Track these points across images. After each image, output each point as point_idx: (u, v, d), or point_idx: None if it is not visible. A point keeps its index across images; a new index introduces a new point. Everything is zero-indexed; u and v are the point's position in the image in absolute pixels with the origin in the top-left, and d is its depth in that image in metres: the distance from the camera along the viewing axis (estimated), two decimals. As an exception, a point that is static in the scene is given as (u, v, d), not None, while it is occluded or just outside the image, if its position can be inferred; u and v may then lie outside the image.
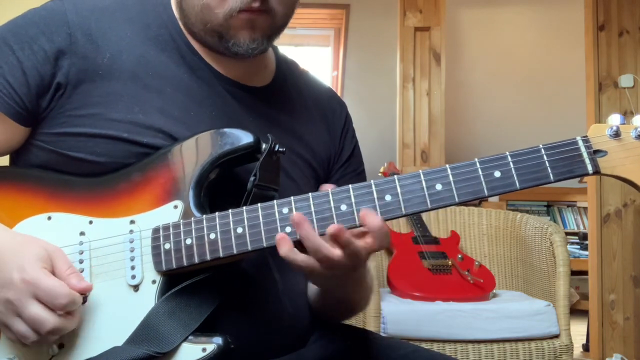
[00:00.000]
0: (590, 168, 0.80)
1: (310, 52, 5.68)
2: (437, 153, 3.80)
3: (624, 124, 0.82)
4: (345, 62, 5.46)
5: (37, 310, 0.77)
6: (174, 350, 0.80)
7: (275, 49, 1.09)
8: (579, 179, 5.51)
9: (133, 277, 0.84)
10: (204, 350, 0.80)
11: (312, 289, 1.02)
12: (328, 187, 0.83)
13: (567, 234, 2.59)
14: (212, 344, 0.80)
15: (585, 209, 5.68)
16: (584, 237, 5.09)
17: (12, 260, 0.79)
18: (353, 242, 0.78)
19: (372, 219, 0.79)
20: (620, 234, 3.52)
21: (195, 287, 0.84)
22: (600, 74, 3.60)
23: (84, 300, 0.82)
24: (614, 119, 0.82)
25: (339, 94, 5.73)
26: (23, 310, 0.77)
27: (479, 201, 5.46)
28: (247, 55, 0.93)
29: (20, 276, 0.77)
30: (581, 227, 5.86)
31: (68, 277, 0.79)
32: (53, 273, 0.80)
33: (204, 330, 0.82)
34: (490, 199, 5.59)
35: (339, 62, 5.49)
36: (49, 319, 0.77)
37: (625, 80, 3.56)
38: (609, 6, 3.63)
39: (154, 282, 0.84)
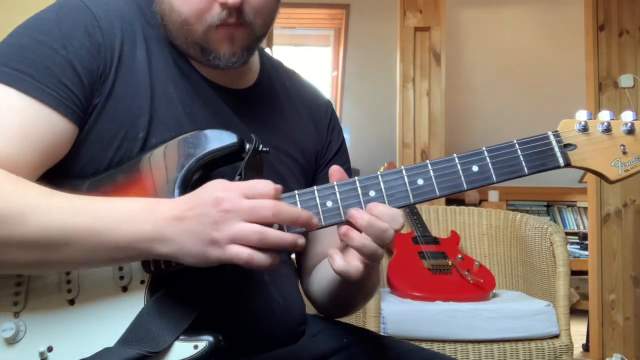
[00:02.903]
0: (561, 161, 0.86)
1: (310, 52, 5.69)
2: (437, 153, 3.80)
3: (591, 119, 0.89)
4: (345, 62, 5.46)
5: (251, 202, 0.76)
6: (166, 349, 0.80)
7: (260, 49, 1.08)
8: (578, 178, 5.50)
9: (121, 277, 0.84)
10: (195, 347, 0.80)
11: (324, 281, 1.01)
12: (336, 173, 0.85)
13: (567, 234, 2.59)
14: (204, 341, 0.80)
15: (585, 209, 5.68)
16: (584, 237, 5.09)
17: (206, 190, 0.78)
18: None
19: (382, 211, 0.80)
20: (620, 234, 3.52)
21: (184, 285, 0.84)
22: (600, 74, 3.60)
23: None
24: (581, 115, 0.89)
25: (339, 93, 5.75)
26: (241, 207, 0.75)
27: (479, 201, 5.46)
28: (228, 68, 0.93)
29: (224, 190, 0.77)
30: (581, 227, 5.86)
31: None
32: None
33: (193, 326, 0.82)
34: (490, 199, 5.60)
35: (339, 62, 5.50)
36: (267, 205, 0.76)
37: (625, 80, 3.56)
38: (609, 6, 3.63)
39: (142, 282, 0.84)
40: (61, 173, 0.88)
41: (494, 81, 5.45)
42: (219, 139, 0.87)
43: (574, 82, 4.49)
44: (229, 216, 0.75)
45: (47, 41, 0.85)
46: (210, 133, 0.88)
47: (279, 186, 0.79)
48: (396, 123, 3.89)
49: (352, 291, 0.99)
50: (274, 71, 1.09)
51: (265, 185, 0.78)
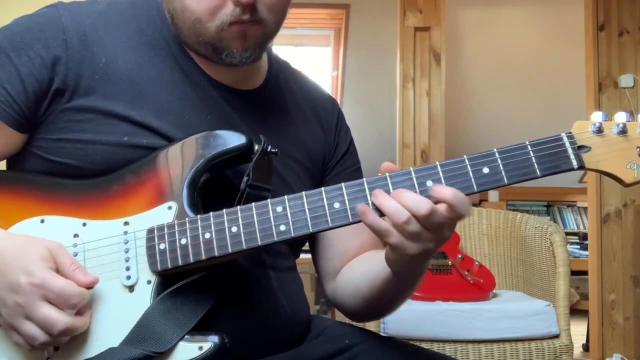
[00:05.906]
0: (575, 163, 0.83)
1: (310, 52, 5.68)
2: (437, 153, 3.79)
3: (606, 120, 0.85)
4: (345, 62, 5.46)
5: (48, 312, 0.77)
6: (171, 349, 0.80)
7: (268, 50, 1.08)
8: (578, 179, 5.50)
9: (128, 277, 0.84)
10: (200, 348, 0.80)
11: (361, 280, 1.00)
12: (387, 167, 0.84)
13: (567, 234, 2.59)
14: (209, 342, 0.81)
15: (585, 209, 5.68)
16: (584, 237, 5.09)
17: (16, 263, 0.79)
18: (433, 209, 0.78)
19: (442, 189, 0.79)
20: (620, 234, 3.52)
21: (191, 286, 0.84)
22: (600, 74, 3.60)
23: None
24: (597, 116, 0.85)
25: (339, 93, 5.74)
26: (34, 313, 0.77)
27: (479, 201, 5.46)
28: (241, 65, 0.93)
29: (28, 280, 0.77)
30: (581, 227, 5.86)
31: (73, 273, 0.80)
32: (57, 271, 0.80)
33: (199, 329, 0.82)
34: (490, 199, 5.60)
35: (339, 62, 5.49)
36: (61, 319, 0.77)
37: (625, 80, 3.56)
38: (609, 6, 3.63)
39: (149, 282, 0.84)
40: (81, 175, 0.90)
41: (494, 81, 5.45)
42: (228, 140, 0.88)
43: (574, 82, 4.49)
44: (18, 311, 0.78)
45: (8, 48, 0.90)
46: (219, 134, 0.88)
47: (85, 293, 0.80)
48: (396, 123, 3.89)
49: (394, 288, 0.95)
50: (281, 72, 1.09)
51: (71, 293, 0.78)
